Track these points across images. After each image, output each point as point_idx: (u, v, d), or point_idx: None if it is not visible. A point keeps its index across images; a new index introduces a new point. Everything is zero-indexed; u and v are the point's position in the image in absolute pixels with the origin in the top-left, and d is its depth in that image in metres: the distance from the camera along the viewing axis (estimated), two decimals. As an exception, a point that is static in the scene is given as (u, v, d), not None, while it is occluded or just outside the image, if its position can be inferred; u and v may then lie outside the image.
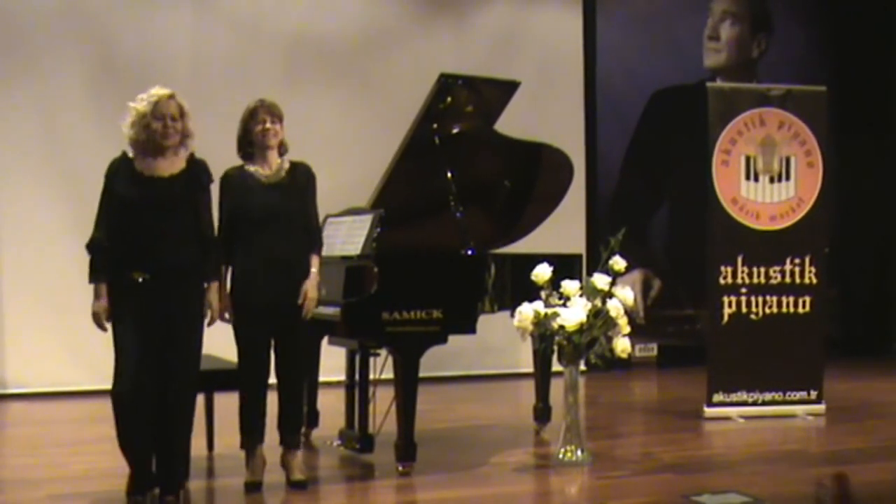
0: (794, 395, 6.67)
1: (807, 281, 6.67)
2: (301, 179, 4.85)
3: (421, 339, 4.98)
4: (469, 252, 5.35)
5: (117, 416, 4.32)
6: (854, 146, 9.80)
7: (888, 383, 8.46)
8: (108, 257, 4.33)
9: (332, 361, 6.16)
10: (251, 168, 4.83)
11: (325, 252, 5.52)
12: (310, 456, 5.65)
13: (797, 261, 6.66)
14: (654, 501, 4.53)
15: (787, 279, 6.65)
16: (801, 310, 6.67)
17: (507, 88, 5.89)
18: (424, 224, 5.72)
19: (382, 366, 5.33)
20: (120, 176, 4.39)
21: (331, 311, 5.00)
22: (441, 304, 4.99)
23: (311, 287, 4.73)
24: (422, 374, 5.02)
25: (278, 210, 4.74)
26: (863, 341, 9.99)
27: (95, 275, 4.35)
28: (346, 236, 5.43)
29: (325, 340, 5.79)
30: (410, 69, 8.25)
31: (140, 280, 4.28)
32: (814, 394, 6.69)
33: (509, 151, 5.94)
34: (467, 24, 8.85)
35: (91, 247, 4.37)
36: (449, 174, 5.51)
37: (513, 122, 5.96)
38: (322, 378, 6.09)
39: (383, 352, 5.29)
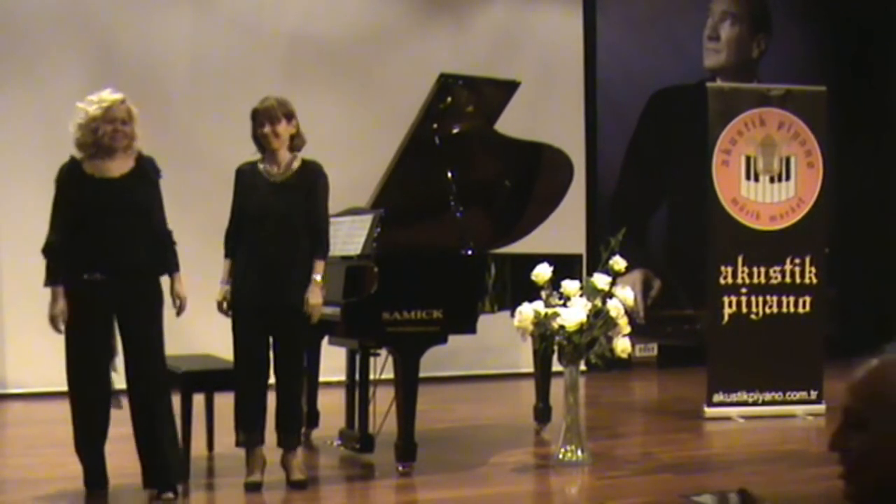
0: (794, 395, 6.67)
1: (807, 281, 6.67)
2: (308, 179, 4.80)
3: (421, 339, 4.98)
4: (469, 252, 5.35)
5: (74, 416, 4.47)
6: (854, 146, 9.80)
7: (888, 383, 8.44)
8: (63, 260, 4.39)
9: (332, 361, 6.16)
10: (262, 165, 4.84)
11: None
12: (310, 456, 5.65)
13: (797, 261, 6.66)
14: (654, 501, 4.53)
15: (788, 279, 6.66)
16: (801, 310, 6.67)
17: (508, 88, 5.89)
18: (425, 224, 5.72)
19: (382, 366, 5.33)
20: (70, 179, 4.45)
21: (331, 310, 5.00)
22: (441, 305, 4.99)
23: (311, 294, 4.69)
24: (422, 374, 5.02)
25: (276, 210, 4.72)
26: (863, 341, 9.98)
27: (51, 278, 4.40)
28: (346, 236, 5.43)
29: (325, 340, 5.80)
30: (410, 69, 8.25)
31: (94, 281, 4.35)
32: (814, 394, 6.69)
33: (509, 151, 5.94)
34: (467, 24, 8.86)
35: (46, 251, 4.43)
36: (449, 174, 5.51)
37: (513, 122, 5.96)
38: (322, 378, 6.09)
39: (383, 352, 5.29)
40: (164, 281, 4.58)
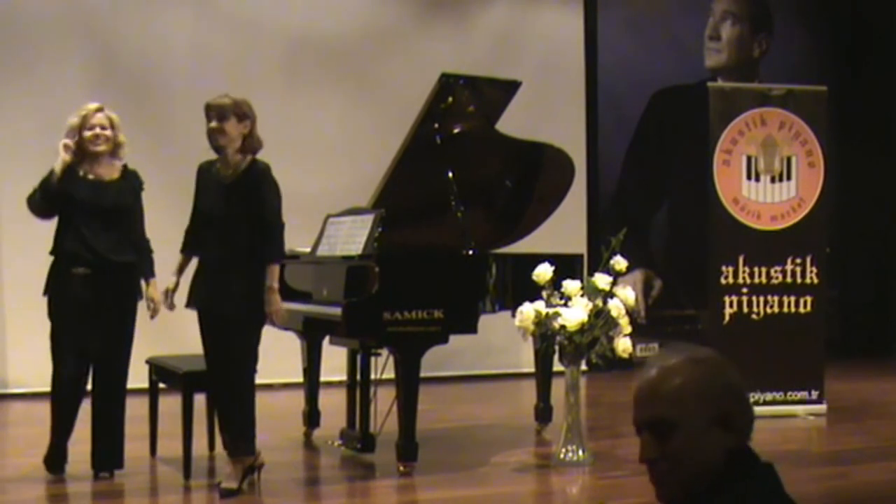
0: (795, 395, 6.67)
1: (808, 281, 6.67)
2: (253, 180, 4.66)
3: (422, 338, 4.98)
4: (470, 252, 5.35)
5: (54, 400, 4.86)
6: (854, 146, 9.80)
7: (888, 383, 8.46)
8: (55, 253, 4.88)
9: (333, 361, 6.17)
10: (217, 165, 4.77)
11: (325, 252, 5.54)
12: (311, 455, 5.66)
13: (798, 261, 6.66)
14: (654, 502, 4.53)
15: (789, 279, 6.65)
16: (802, 310, 6.67)
17: (509, 88, 5.88)
18: (426, 224, 5.72)
19: (383, 366, 5.33)
20: (66, 179, 4.84)
21: (331, 310, 5.00)
22: (442, 304, 4.99)
23: (269, 304, 4.61)
24: (423, 374, 5.02)
25: (219, 212, 4.66)
26: (863, 341, 9.99)
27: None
28: (347, 236, 5.43)
29: (326, 340, 5.80)
30: (411, 69, 8.24)
31: (79, 274, 4.78)
32: (815, 394, 6.69)
33: (510, 151, 5.93)
34: (468, 23, 8.85)
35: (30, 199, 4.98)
36: (450, 174, 5.51)
37: (514, 122, 5.96)
38: (323, 378, 6.10)
39: (384, 352, 5.29)
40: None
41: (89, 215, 4.80)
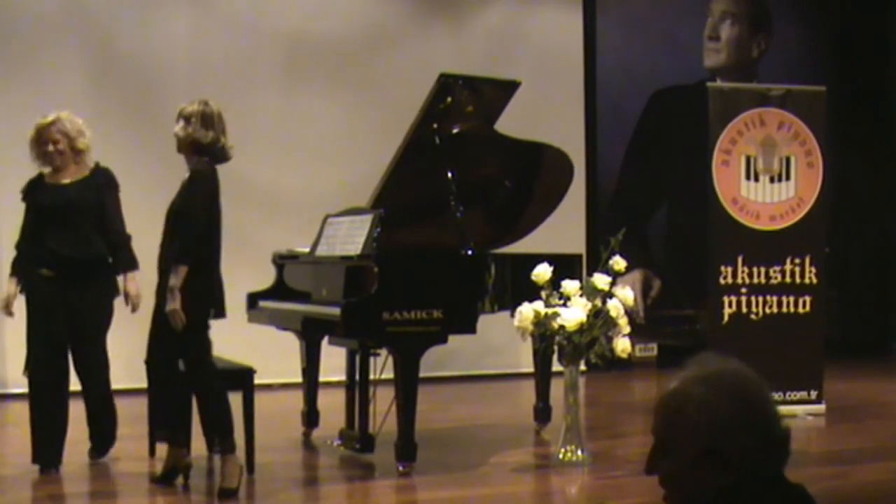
0: (795, 395, 6.67)
1: (807, 281, 6.67)
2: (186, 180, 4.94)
3: (421, 339, 4.98)
4: (469, 252, 5.35)
5: (31, 396, 5.14)
6: (854, 146, 9.80)
7: (888, 383, 8.46)
8: (21, 260, 5.16)
9: (333, 361, 6.16)
10: None
11: (324, 252, 5.55)
12: (310, 456, 5.66)
13: (797, 261, 6.66)
14: (653, 502, 4.52)
15: (788, 279, 6.65)
16: (801, 310, 6.67)
17: (508, 88, 5.89)
18: (425, 224, 5.72)
19: (382, 366, 5.33)
20: (34, 188, 5.16)
21: (330, 310, 5.00)
22: (441, 304, 4.99)
23: (168, 300, 4.70)
24: (422, 374, 5.02)
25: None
26: (863, 341, 9.99)
27: (11, 273, 5.20)
28: (346, 236, 5.43)
29: (325, 340, 5.80)
30: (410, 69, 8.24)
31: (45, 276, 5.03)
32: (814, 394, 6.69)
33: (509, 151, 5.93)
34: (467, 24, 8.86)
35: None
36: (449, 174, 5.51)
37: (513, 122, 5.96)
38: (322, 378, 6.10)
39: (383, 352, 5.29)
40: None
41: (48, 218, 5.06)
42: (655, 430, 1.75)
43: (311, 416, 6.02)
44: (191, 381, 4.75)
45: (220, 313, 5.23)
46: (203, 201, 4.64)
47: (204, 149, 4.70)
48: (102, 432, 5.25)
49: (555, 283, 5.19)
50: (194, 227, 4.61)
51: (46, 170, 5.17)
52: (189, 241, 4.60)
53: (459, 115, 5.69)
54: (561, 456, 5.24)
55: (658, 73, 9.57)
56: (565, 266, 5.47)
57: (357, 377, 5.53)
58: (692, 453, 1.67)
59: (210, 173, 4.69)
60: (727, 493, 1.67)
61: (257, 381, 5.10)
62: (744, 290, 6.62)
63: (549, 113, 8.61)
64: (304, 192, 8.03)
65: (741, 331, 6.57)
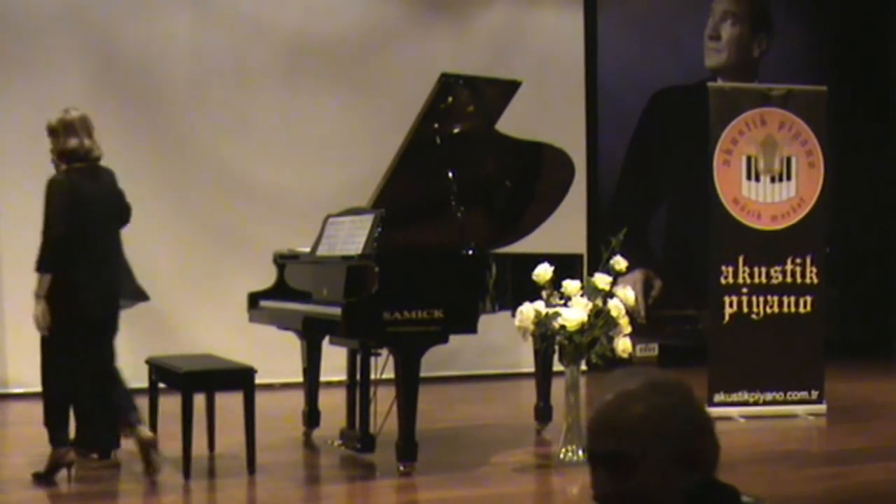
0: (795, 395, 6.67)
1: (808, 281, 6.67)
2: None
3: (422, 338, 4.98)
4: (470, 252, 5.35)
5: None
6: (854, 146, 9.80)
7: (889, 383, 8.46)
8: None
9: (333, 361, 6.16)
10: None
11: (325, 252, 5.55)
12: (311, 455, 5.66)
13: (798, 261, 6.66)
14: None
15: (789, 279, 6.65)
16: (802, 310, 6.66)
17: (508, 88, 5.88)
18: (425, 224, 5.72)
19: (383, 366, 5.33)
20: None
21: (331, 310, 5.00)
22: (442, 304, 4.99)
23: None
24: (422, 373, 5.02)
25: None
26: (863, 341, 9.99)
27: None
28: (346, 236, 5.43)
29: (325, 340, 5.80)
30: (411, 69, 8.24)
31: None
32: (815, 394, 6.69)
33: (510, 151, 5.93)
34: (468, 24, 8.85)
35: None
36: (450, 174, 5.51)
37: (514, 122, 5.96)
38: (323, 378, 6.09)
39: (384, 351, 5.28)
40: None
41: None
42: (610, 448, 1.61)
43: (311, 416, 6.01)
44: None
45: (141, 296, 5.47)
46: (56, 210, 4.82)
47: (72, 155, 4.90)
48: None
49: (556, 282, 5.19)
50: (48, 237, 4.82)
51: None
52: (44, 250, 4.82)
53: (460, 114, 5.69)
54: (562, 456, 5.24)
55: (659, 73, 9.57)
56: (566, 266, 5.47)
57: (358, 377, 5.53)
58: (668, 459, 1.61)
59: (60, 182, 4.87)
60: (695, 498, 1.65)
61: (258, 380, 5.09)
62: (745, 290, 6.61)
63: (549, 113, 8.61)
64: (305, 192, 8.02)
65: (742, 331, 6.57)
